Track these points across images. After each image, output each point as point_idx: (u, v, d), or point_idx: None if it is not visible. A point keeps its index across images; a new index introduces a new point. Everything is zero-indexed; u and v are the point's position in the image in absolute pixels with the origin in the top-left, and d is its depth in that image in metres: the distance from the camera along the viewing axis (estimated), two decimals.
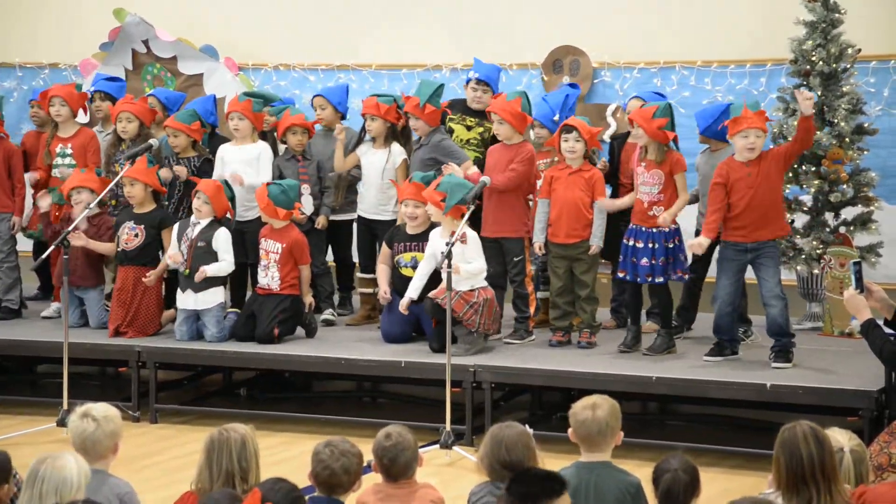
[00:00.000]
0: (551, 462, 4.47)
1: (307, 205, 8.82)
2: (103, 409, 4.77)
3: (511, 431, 4.56)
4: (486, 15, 10.33)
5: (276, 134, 9.20)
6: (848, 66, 8.78)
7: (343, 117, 9.31)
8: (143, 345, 8.37)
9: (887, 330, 6.23)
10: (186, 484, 4.56)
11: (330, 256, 9.38)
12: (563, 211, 8.10)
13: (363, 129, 8.96)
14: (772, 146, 7.84)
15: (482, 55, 9.29)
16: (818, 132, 8.62)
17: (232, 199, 8.50)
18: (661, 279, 7.83)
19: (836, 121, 8.67)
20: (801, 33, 8.80)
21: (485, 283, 7.94)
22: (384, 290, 8.36)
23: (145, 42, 10.87)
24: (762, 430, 7.46)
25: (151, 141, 8.76)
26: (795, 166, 8.67)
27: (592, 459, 4.66)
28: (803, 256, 8.70)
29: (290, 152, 8.97)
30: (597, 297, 8.24)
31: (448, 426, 7.28)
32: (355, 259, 9.40)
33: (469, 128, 8.90)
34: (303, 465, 4.54)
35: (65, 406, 7.69)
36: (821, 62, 8.67)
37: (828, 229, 8.80)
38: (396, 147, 8.84)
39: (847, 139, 8.68)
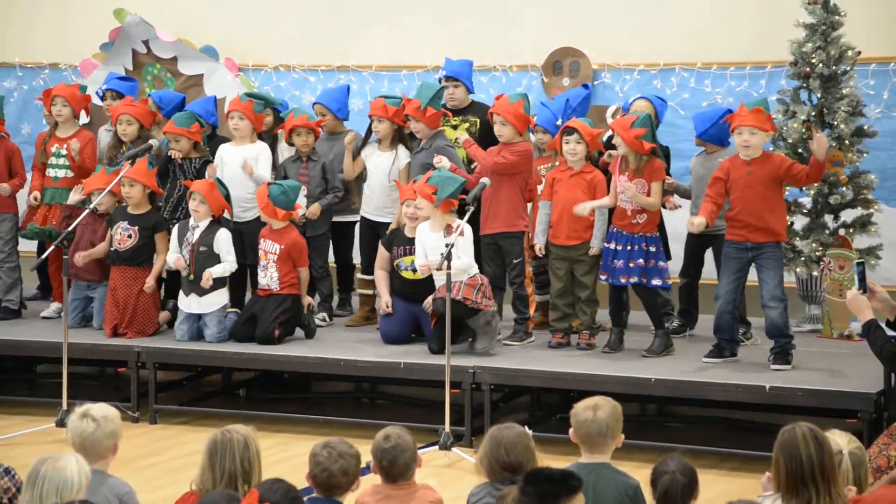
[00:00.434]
0: (550, 463, 4.46)
1: (302, 206, 8.82)
2: (103, 410, 4.77)
3: (510, 432, 4.56)
4: (486, 16, 10.33)
5: (277, 136, 9.22)
6: (848, 68, 8.78)
7: (340, 118, 9.31)
8: (142, 345, 8.37)
9: (889, 331, 6.23)
10: (186, 484, 4.56)
11: (331, 257, 9.39)
12: (564, 213, 8.10)
13: (368, 131, 8.96)
14: (771, 148, 7.84)
15: (481, 57, 9.33)
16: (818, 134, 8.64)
17: (227, 196, 8.50)
18: (636, 279, 7.84)
19: (835, 123, 8.67)
20: (801, 35, 8.81)
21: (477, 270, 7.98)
22: (385, 302, 8.37)
23: (146, 42, 10.87)
24: (761, 432, 7.47)
25: (152, 142, 8.77)
26: None
27: (592, 460, 4.66)
28: (803, 259, 8.70)
29: (296, 153, 8.97)
30: (597, 298, 8.25)
31: (447, 427, 7.28)
32: (356, 261, 9.40)
33: (455, 126, 8.92)
34: (301, 466, 4.54)
35: (64, 406, 7.69)
36: (821, 64, 8.68)
37: (827, 231, 8.81)
38: (403, 150, 8.83)
39: (847, 141, 8.68)
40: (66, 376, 7.80)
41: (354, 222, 9.19)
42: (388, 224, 8.79)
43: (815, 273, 8.75)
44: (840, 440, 4.45)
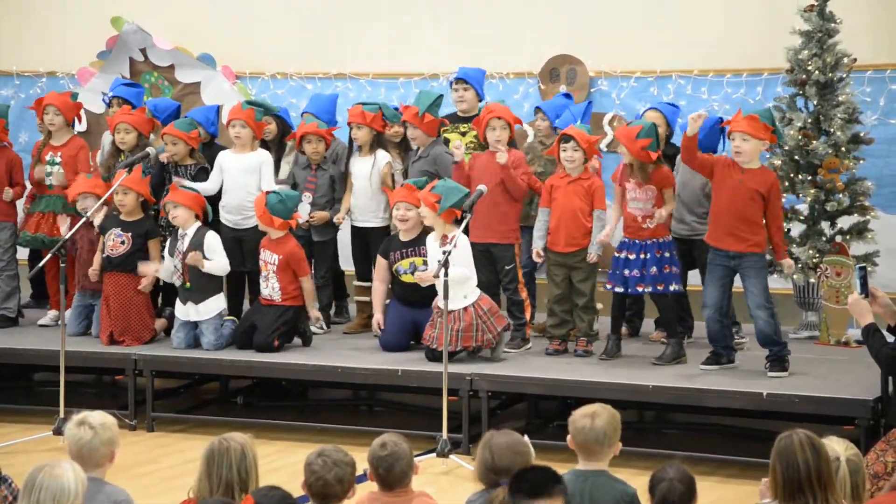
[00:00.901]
0: None
1: (303, 213, 8.82)
2: (100, 418, 4.76)
3: (501, 438, 4.56)
4: (483, 24, 10.34)
5: (285, 144, 9.24)
6: (844, 75, 8.79)
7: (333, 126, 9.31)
8: (139, 353, 8.37)
9: (889, 336, 6.24)
10: (183, 492, 4.56)
11: None
12: (562, 219, 8.11)
13: (351, 142, 8.98)
14: (768, 156, 7.84)
15: (479, 64, 9.31)
16: (815, 141, 8.65)
17: (194, 190, 8.49)
18: (651, 288, 7.85)
19: (832, 130, 8.68)
20: (798, 43, 8.82)
21: (477, 293, 7.94)
22: (378, 320, 8.39)
23: (143, 50, 10.87)
24: (759, 439, 7.46)
25: (149, 150, 8.79)
26: (791, 175, 8.71)
27: (589, 468, 4.66)
28: (800, 265, 8.71)
29: (306, 160, 8.99)
30: (594, 305, 8.25)
31: (445, 434, 7.28)
32: (343, 268, 9.42)
33: (463, 133, 8.93)
34: (299, 474, 4.54)
35: (61, 414, 7.69)
36: (817, 71, 8.69)
37: (824, 238, 8.81)
38: (381, 153, 8.86)
39: (843, 148, 8.69)
40: (63, 384, 7.80)
41: (336, 231, 9.17)
42: (376, 228, 8.86)
43: (811, 280, 8.75)
44: (837, 447, 4.45)
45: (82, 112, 10.31)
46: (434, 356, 7.86)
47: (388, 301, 8.55)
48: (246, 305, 9.01)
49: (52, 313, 9.32)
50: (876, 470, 5.66)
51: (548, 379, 7.69)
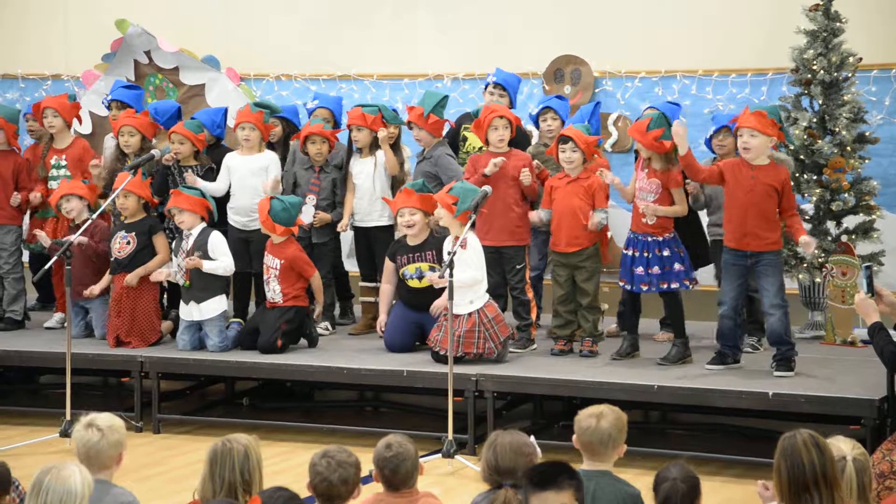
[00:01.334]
0: None
1: (307, 215, 8.83)
2: (108, 420, 4.77)
3: (506, 438, 4.55)
4: (488, 25, 10.34)
5: (288, 145, 9.25)
6: (849, 74, 8.78)
7: (337, 127, 9.33)
8: (145, 355, 8.38)
9: (895, 334, 6.25)
10: (189, 494, 4.57)
11: None
12: (562, 220, 8.11)
13: (350, 145, 8.99)
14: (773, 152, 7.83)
15: (483, 65, 9.34)
16: (820, 141, 8.64)
17: (200, 194, 8.50)
18: (654, 289, 7.86)
19: (837, 130, 8.68)
20: (802, 42, 8.81)
21: (485, 298, 7.92)
22: (382, 322, 8.41)
23: (147, 53, 10.88)
24: (764, 439, 7.45)
25: (154, 151, 8.79)
26: (797, 175, 8.69)
27: (593, 468, 4.65)
28: (805, 265, 8.70)
29: (308, 161, 8.99)
30: (598, 305, 8.25)
31: (450, 435, 7.28)
32: (347, 268, 9.43)
33: None
34: (305, 475, 4.53)
35: (67, 416, 7.70)
36: (822, 71, 8.69)
37: (829, 238, 8.81)
38: (381, 154, 8.87)
39: (848, 148, 8.69)
40: (69, 386, 7.80)
41: (338, 233, 9.18)
42: (379, 228, 8.89)
43: (817, 280, 8.74)
44: (843, 446, 4.44)
45: (86, 114, 10.36)
46: (439, 358, 7.86)
47: (393, 302, 8.56)
48: (252, 307, 9.01)
49: (57, 316, 9.34)
50: (882, 469, 5.66)
51: (553, 379, 7.69)
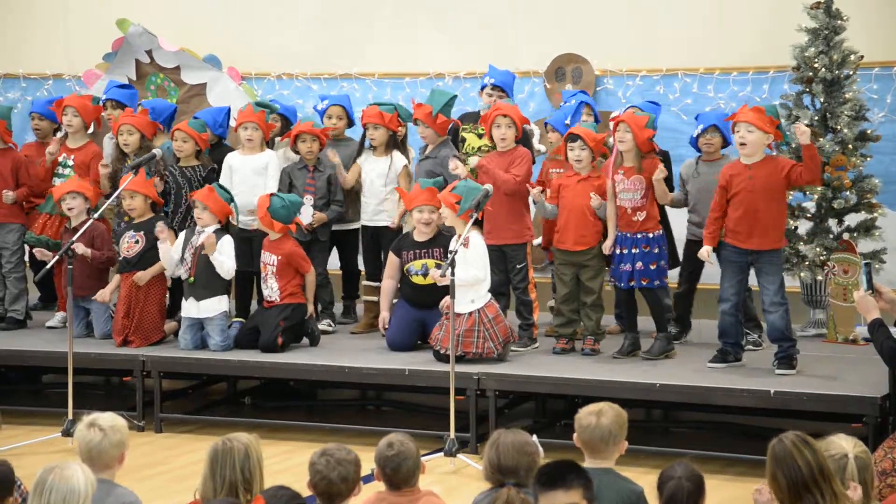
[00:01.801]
0: None
1: (306, 216, 8.83)
2: (110, 419, 4.77)
3: (508, 437, 4.56)
4: (489, 23, 10.35)
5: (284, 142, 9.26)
6: (850, 72, 8.78)
7: (351, 124, 9.37)
8: (147, 354, 8.38)
9: (895, 331, 6.27)
10: (191, 493, 4.57)
11: (337, 264, 9.41)
12: (570, 218, 8.12)
13: (363, 138, 8.99)
14: (774, 153, 7.84)
15: (484, 63, 9.32)
16: (821, 139, 8.64)
17: (230, 200, 8.52)
18: (635, 283, 7.89)
19: (838, 127, 8.67)
20: (804, 40, 8.81)
21: (487, 298, 7.92)
22: (384, 318, 8.40)
23: (149, 52, 10.88)
24: (767, 437, 7.40)
25: (154, 151, 8.79)
26: None
27: (595, 466, 4.65)
28: (807, 263, 8.70)
29: (302, 161, 8.99)
30: (602, 304, 8.25)
31: (452, 434, 7.28)
32: (360, 267, 9.42)
33: (480, 135, 8.93)
34: (307, 474, 4.54)
35: (70, 416, 7.70)
36: (823, 69, 8.68)
37: (831, 236, 8.80)
38: (397, 154, 8.88)
39: (850, 146, 8.68)
40: (71, 386, 7.81)
41: (356, 230, 9.21)
42: (387, 227, 8.84)
43: (819, 278, 8.74)
44: (845, 444, 4.44)
45: None
46: (441, 357, 7.86)
47: (395, 300, 8.56)
48: (255, 306, 9.02)
49: (59, 315, 9.34)
50: (884, 467, 5.66)
51: (555, 378, 7.69)
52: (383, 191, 8.89)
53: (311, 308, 8.61)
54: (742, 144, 7.50)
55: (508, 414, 8.25)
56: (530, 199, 8.35)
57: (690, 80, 9.75)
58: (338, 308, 9.45)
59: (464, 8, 10.46)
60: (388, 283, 8.49)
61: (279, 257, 8.40)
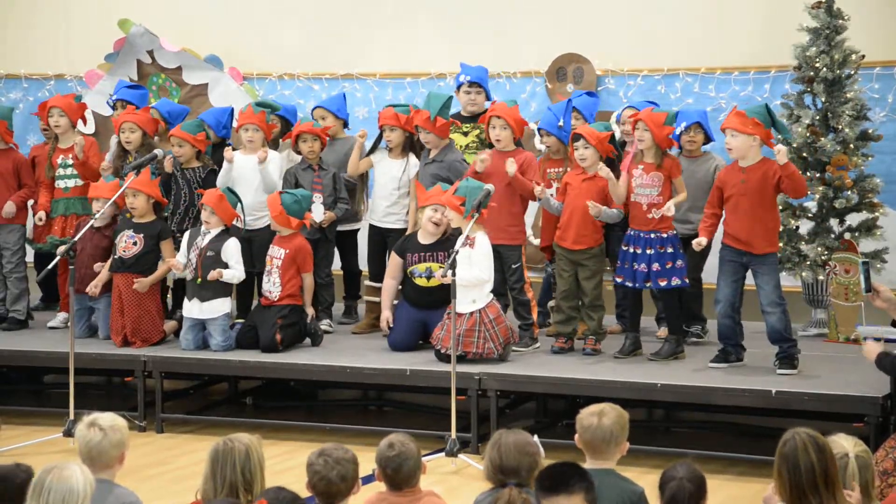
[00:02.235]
0: None
1: (317, 214, 8.83)
2: (110, 419, 4.77)
3: (509, 437, 4.56)
4: (490, 23, 10.35)
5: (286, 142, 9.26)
6: (852, 72, 8.78)
7: (346, 124, 9.38)
8: (148, 354, 8.38)
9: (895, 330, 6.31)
10: (192, 493, 4.57)
11: (337, 265, 9.41)
12: (573, 216, 8.12)
13: (378, 138, 8.99)
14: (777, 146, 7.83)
15: (485, 63, 9.31)
16: (823, 139, 8.63)
17: (237, 204, 8.53)
18: (652, 284, 7.88)
19: (840, 127, 8.67)
20: (805, 40, 8.81)
21: (488, 298, 7.91)
22: (385, 318, 8.40)
23: (150, 52, 10.89)
24: (768, 437, 7.44)
25: (157, 151, 8.79)
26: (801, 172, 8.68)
27: (596, 466, 4.65)
28: (808, 263, 8.70)
29: (305, 161, 8.99)
30: (602, 304, 8.24)
31: (453, 434, 7.28)
32: (361, 267, 9.41)
33: (465, 133, 8.94)
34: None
35: (71, 416, 7.70)
36: (824, 68, 8.68)
37: (833, 235, 8.80)
38: (413, 158, 8.86)
39: (851, 145, 8.68)
40: (72, 386, 7.81)
41: (358, 230, 9.20)
42: (398, 230, 8.83)
43: (820, 277, 8.74)
44: (846, 443, 4.44)
45: (90, 114, 10.36)
46: (442, 356, 7.86)
47: (396, 301, 8.55)
48: (255, 306, 9.01)
49: (61, 315, 9.34)
50: (885, 467, 5.66)
51: (556, 378, 7.69)
52: (395, 193, 8.88)
53: (310, 309, 8.61)
54: (728, 149, 7.56)
55: (510, 414, 8.26)
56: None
57: (692, 80, 9.74)
58: (339, 308, 9.45)
59: (464, 8, 10.47)
60: (390, 282, 8.48)
61: (287, 251, 8.40)
